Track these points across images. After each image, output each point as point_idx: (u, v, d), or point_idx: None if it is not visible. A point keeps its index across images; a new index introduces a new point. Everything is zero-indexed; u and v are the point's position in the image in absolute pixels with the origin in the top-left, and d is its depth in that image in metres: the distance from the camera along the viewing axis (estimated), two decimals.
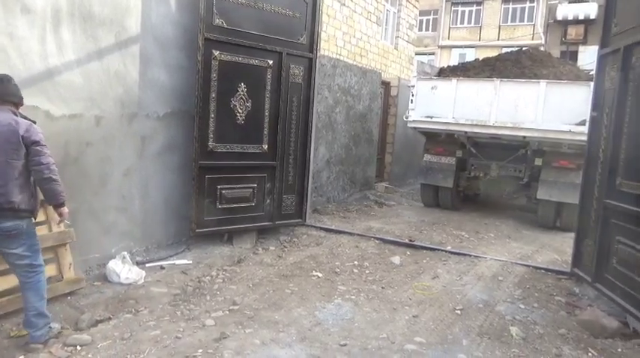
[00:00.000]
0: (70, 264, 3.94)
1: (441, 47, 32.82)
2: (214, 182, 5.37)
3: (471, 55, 31.81)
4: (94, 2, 4.20)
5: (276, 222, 6.04)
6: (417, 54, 16.92)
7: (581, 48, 28.42)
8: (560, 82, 7.35)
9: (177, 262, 4.79)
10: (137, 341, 3.12)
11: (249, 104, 5.52)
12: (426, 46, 31.62)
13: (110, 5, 4.35)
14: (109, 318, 3.47)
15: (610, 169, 4.24)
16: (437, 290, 4.43)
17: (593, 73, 7.76)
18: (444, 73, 9.04)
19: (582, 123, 6.90)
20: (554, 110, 7.15)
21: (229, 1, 5.19)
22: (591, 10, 27.63)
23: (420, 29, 28.67)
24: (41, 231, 3.79)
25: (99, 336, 3.16)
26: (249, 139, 5.62)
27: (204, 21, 5.00)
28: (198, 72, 5.03)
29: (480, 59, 9.20)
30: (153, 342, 3.12)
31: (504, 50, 31.27)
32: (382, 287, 4.40)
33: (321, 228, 6.37)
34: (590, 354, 3.41)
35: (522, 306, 4.22)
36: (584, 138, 6.92)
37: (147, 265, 4.59)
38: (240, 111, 5.47)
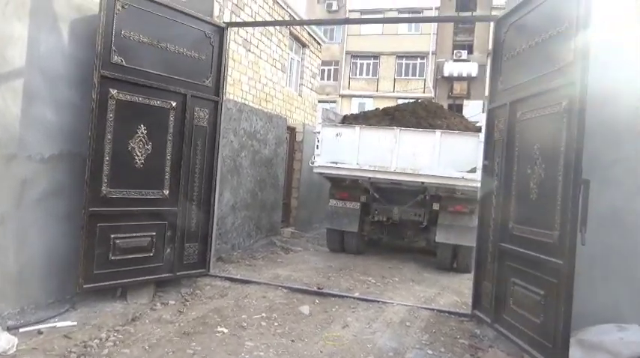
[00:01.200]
0: None
1: (342, 96, 34.41)
2: (107, 231, 4.86)
3: (369, 104, 33.74)
4: None
5: (177, 273, 5.60)
6: (319, 101, 17.55)
7: (465, 102, 31.69)
8: (453, 132, 7.94)
9: (59, 324, 4.17)
10: None
11: (149, 147, 5.17)
12: (327, 94, 32.99)
13: None
14: None
15: (503, 215, 4.54)
16: (347, 340, 4.32)
17: (479, 124, 8.54)
18: (348, 120, 9.36)
19: (473, 170, 7.47)
20: (448, 158, 7.66)
21: (130, 39, 4.92)
22: (472, 69, 30.99)
23: (323, 78, 29.89)
24: None
25: None
26: (149, 184, 5.23)
27: (101, 57, 4.66)
28: (93, 111, 4.62)
29: (380, 108, 9.68)
30: None
31: (400, 101, 33.68)
32: (292, 340, 4.19)
33: (225, 278, 6.04)
34: None
35: (430, 352, 4.24)
36: (476, 184, 7.49)
37: (20, 330, 3.94)
38: (139, 153, 5.10)
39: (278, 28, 12.69)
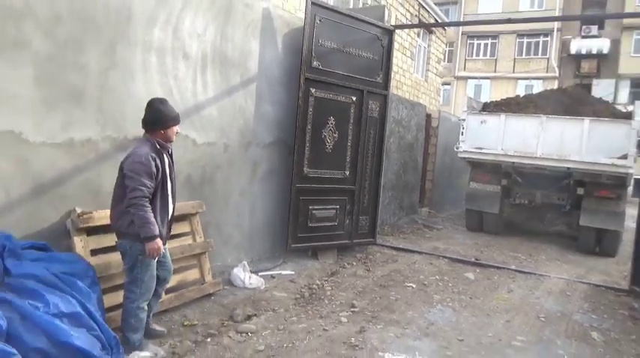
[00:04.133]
0: (209, 269, 4.61)
1: (457, 78, 33.73)
2: (307, 203, 6.06)
3: (486, 86, 32.84)
4: (228, 47, 5.00)
5: (354, 241, 6.69)
6: None
7: (594, 81, 29.41)
8: (603, 120, 8.06)
9: (283, 272, 5.44)
10: (292, 332, 3.77)
11: (336, 135, 6.26)
12: (442, 77, 32.66)
13: (239, 50, 5.14)
14: (256, 315, 4.10)
15: None
16: (516, 302, 5.05)
17: (629, 109, 8.52)
18: (488, 107, 9.78)
19: (624, 156, 7.60)
20: (597, 144, 7.84)
21: (324, 46, 5.99)
22: (604, 45, 28.57)
23: None
24: (186, 240, 4.51)
25: (259, 327, 3.80)
26: (335, 166, 6.33)
27: (305, 63, 5.79)
28: (299, 107, 5.79)
29: (522, 96, 9.93)
30: (305, 333, 3.76)
31: (520, 82, 32.27)
32: (470, 298, 5.02)
33: (391, 247, 7.02)
34: None
35: (594, 316, 4.82)
36: (626, 170, 7.64)
37: (259, 274, 5.24)
38: (329, 141, 6.21)
39: (409, 17, 13.33)
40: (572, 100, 9.14)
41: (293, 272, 5.46)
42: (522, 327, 4.30)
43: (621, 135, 7.73)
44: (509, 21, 6.40)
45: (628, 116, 8.34)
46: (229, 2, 4.94)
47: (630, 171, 7.72)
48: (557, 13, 30.28)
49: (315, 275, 5.46)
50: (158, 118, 3.17)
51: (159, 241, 3.01)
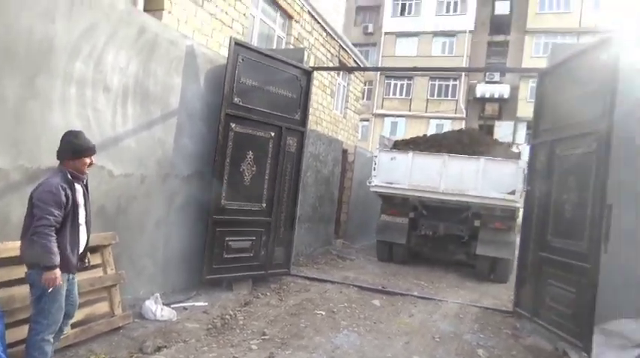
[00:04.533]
0: (119, 302, 4.60)
1: (375, 115, 35.45)
2: (223, 234, 6.21)
3: (402, 124, 34.79)
4: (151, 82, 5.14)
5: (268, 271, 6.90)
6: None
7: (496, 123, 32.36)
8: (496, 159, 9.08)
9: (196, 304, 5.50)
10: None
11: (254, 169, 6.53)
12: (361, 114, 34.25)
13: (161, 84, 5.30)
14: (166, 346, 4.16)
15: (542, 229, 5.67)
16: (416, 325, 5.51)
17: (518, 150, 9.65)
18: (399, 145, 10.58)
19: (512, 192, 8.58)
20: (490, 181, 8.80)
21: (246, 84, 6.31)
22: (504, 91, 31.74)
23: None
24: (97, 273, 4.48)
25: (169, 357, 3.87)
26: (253, 198, 6.57)
27: (227, 99, 6.05)
28: (219, 141, 6.01)
29: (428, 135, 10.86)
30: None
31: (432, 121, 34.49)
32: (374, 323, 5.41)
33: (304, 277, 7.31)
34: None
35: (482, 336, 5.39)
36: (514, 204, 8.61)
37: (172, 306, 5.26)
38: (247, 174, 6.46)
39: (329, 57, 14.14)
40: (471, 140, 10.17)
41: (206, 304, 5.54)
42: (419, 348, 4.74)
43: (511, 173, 8.74)
44: (414, 69, 7.14)
45: (517, 156, 9.45)
46: (154, 38, 5.12)
47: (517, 205, 8.71)
48: (465, 59, 33.10)
49: (229, 306, 5.58)
50: (70, 149, 3.25)
51: (57, 272, 3.00)
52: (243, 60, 6.23)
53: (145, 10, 6.10)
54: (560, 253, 5.23)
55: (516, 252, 8.97)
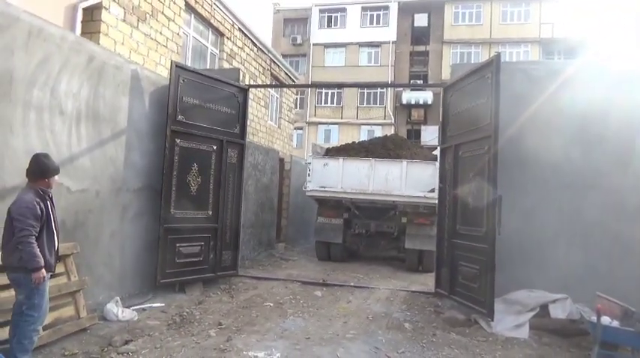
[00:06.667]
0: (84, 306, 5.02)
1: (309, 123, 36.44)
2: (174, 241, 6.72)
3: (335, 131, 36.02)
4: (100, 104, 5.61)
5: (218, 273, 7.46)
6: None
7: (423, 127, 34.49)
8: (416, 161, 10.18)
9: (153, 305, 5.98)
10: (169, 348, 4.44)
11: (199, 179, 7.09)
12: (295, 122, 35.13)
13: (110, 106, 5.77)
14: (132, 340, 4.66)
15: (453, 220, 6.70)
16: (353, 309, 6.33)
17: (436, 152, 10.83)
18: (331, 152, 11.47)
19: (432, 190, 9.68)
20: (412, 181, 9.87)
21: (188, 103, 6.88)
22: (428, 97, 33.92)
23: None
24: (62, 280, 4.90)
25: (138, 347, 4.40)
26: (200, 207, 7.13)
27: (171, 117, 6.60)
28: (166, 155, 6.54)
29: (357, 142, 11.84)
30: (180, 347, 4.46)
31: (363, 127, 35.97)
32: (317, 309, 6.16)
33: (252, 277, 7.93)
34: (451, 334, 5.54)
35: (408, 313, 6.30)
36: (434, 201, 9.70)
37: (131, 308, 5.72)
38: (193, 185, 7.01)
39: (261, 71, 14.86)
40: (395, 145, 11.25)
41: (163, 304, 6.04)
42: (355, 325, 5.54)
43: (430, 173, 9.84)
44: (342, 85, 7.97)
45: (435, 158, 10.61)
46: (102, 65, 5.60)
47: (437, 201, 9.82)
48: (390, 69, 34.95)
49: (184, 305, 6.11)
50: (41, 169, 3.78)
51: (44, 271, 3.59)
52: (184, 81, 6.80)
53: (83, 33, 6.56)
54: (467, 238, 6.26)
55: None
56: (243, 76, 10.91)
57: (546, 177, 6.46)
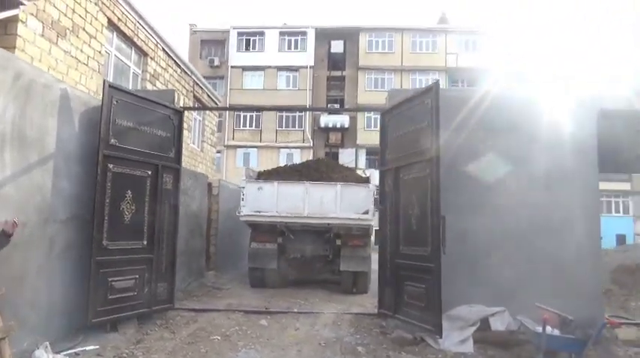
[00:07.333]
0: (11, 355, 4.41)
1: (227, 147, 35.87)
2: (107, 275, 6.17)
3: (254, 154, 35.77)
4: (27, 126, 5.07)
5: (153, 308, 6.95)
6: None
7: (340, 150, 35.45)
8: (350, 184, 10.36)
9: (87, 348, 5.41)
10: None
11: (133, 207, 6.63)
12: (216, 146, 34.38)
13: (37, 128, 5.23)
14: None
15: (395, 241, 6.87)
16: (303, 335, 6.20)
17: (367, 174, 11.12)
18: (263, 176, 11.32)
19: (366, 212, 9.90)
20: (347, 203, 10.01)
21: (121, 125, 6.45)
22: (345, 121, 35.07)
23: None
24: None
25: None
26: (134, 237, 6.64)
27: (103, 140, 6.14)
28: (97, 182, 6.04)
29: (289, 165, 11.83)
30: None
31: (282, 151, 36.11)
32: (267, 339, 5.95)
33: (189, 310, 7.49)
34: (402, 354, 5.62)
35: (358, 336, 6.31)
36: (368, 223, 9.92)
37: (62, 353, 5.12)
38: (127, 213, 6.53)
39: (185, 93, 14.44)
40: (327, 168, 11.40)
41: (97, 347, 5.49)
42: (310, 353, 5.43)
43: (363, 195, 10.06)
44: (262, 108, 7.96)
45: (367, 180, 10.89)
46: (29, 83, 5.08)
47: (371, 223, 10.06)
48: (307, 92, 35.63)
49: (122, 346, 5.60)
50: None
51: None
52: (117, 102, 6.39)
53: None
54: (412, 258, 6.45)
55: (373, 266, 10.36)
56: (178, 98, 10.51)
57: (480, 199, 6.87)
